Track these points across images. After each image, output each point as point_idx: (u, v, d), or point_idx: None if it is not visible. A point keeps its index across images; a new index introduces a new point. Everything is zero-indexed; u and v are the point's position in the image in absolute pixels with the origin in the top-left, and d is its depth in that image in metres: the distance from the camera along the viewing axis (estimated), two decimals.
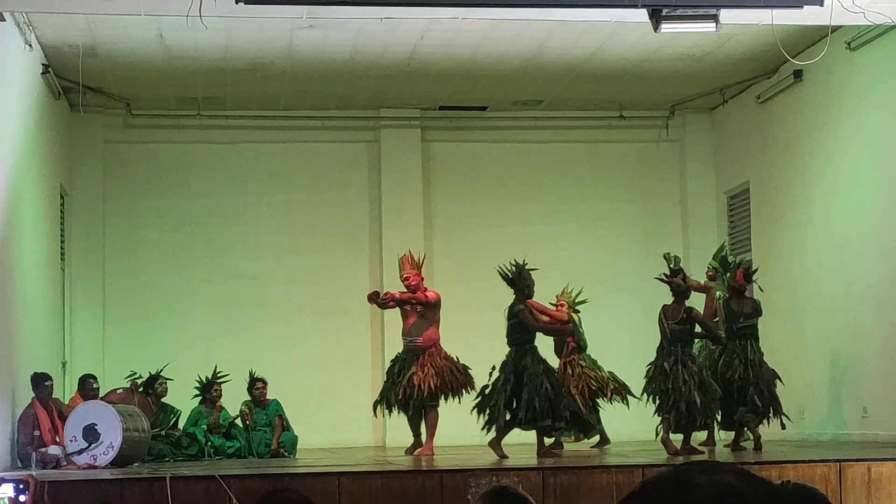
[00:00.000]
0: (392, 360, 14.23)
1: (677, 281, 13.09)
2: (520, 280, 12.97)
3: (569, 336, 14.20)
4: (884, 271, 14.20)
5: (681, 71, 16.91)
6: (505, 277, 13.03)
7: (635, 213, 19.07)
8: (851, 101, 15.02)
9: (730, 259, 14.56)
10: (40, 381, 13.01)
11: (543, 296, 16.17)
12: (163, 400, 14.71)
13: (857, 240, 14.82)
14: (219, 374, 15.02)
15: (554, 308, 14.19)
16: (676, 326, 12.83)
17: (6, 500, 3.43)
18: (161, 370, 14.73)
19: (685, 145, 19.16)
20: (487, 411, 12.62)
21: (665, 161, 19.24)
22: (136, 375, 14.66)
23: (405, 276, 14.00)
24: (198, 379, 14.98)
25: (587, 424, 14.08)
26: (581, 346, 14.33)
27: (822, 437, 15.10)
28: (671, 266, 13.30)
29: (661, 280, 13.21)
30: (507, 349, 12.80)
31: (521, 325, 12.72)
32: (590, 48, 15.73)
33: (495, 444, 12.52)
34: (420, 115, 18.72)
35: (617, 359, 15.56)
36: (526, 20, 14.12)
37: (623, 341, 16.71)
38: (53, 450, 12.09)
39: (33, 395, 12.84)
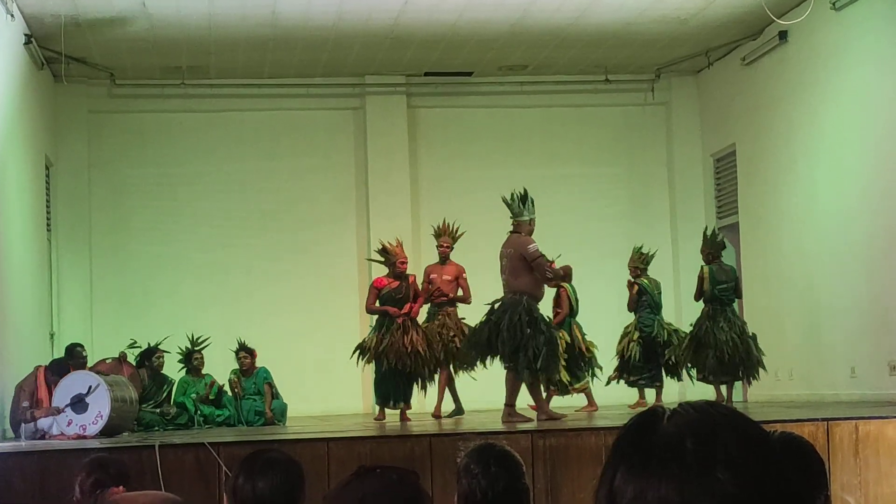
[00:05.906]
0: None
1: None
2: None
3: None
4: (870, 230, 14.21)
5: (666, 34, 16.87)
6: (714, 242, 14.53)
7: (621, 176, 19.06)
8: (836, 61, 15.00)
9: None
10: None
11: None
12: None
13: (843, 199, 14.83)
14: (199, 340, 15.03)
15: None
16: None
17: None
18: (160, 343, 14.72)
19: (671, 108, 19.13)
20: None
21: (651, 124, 19.22)
22: (137, 345, 14.66)
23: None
24: (179, 349, 14.98)
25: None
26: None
27: (810, 397, 15.15)
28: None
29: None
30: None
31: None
32: (574, 12, 15.69)
33: None
34: (405, 81, 18.66)
35: (604, 324, 15.57)
36: None
37: (610, 306, 16.64)
38: (43, 423, 12.04)
39: (37, 365, 12.77)
